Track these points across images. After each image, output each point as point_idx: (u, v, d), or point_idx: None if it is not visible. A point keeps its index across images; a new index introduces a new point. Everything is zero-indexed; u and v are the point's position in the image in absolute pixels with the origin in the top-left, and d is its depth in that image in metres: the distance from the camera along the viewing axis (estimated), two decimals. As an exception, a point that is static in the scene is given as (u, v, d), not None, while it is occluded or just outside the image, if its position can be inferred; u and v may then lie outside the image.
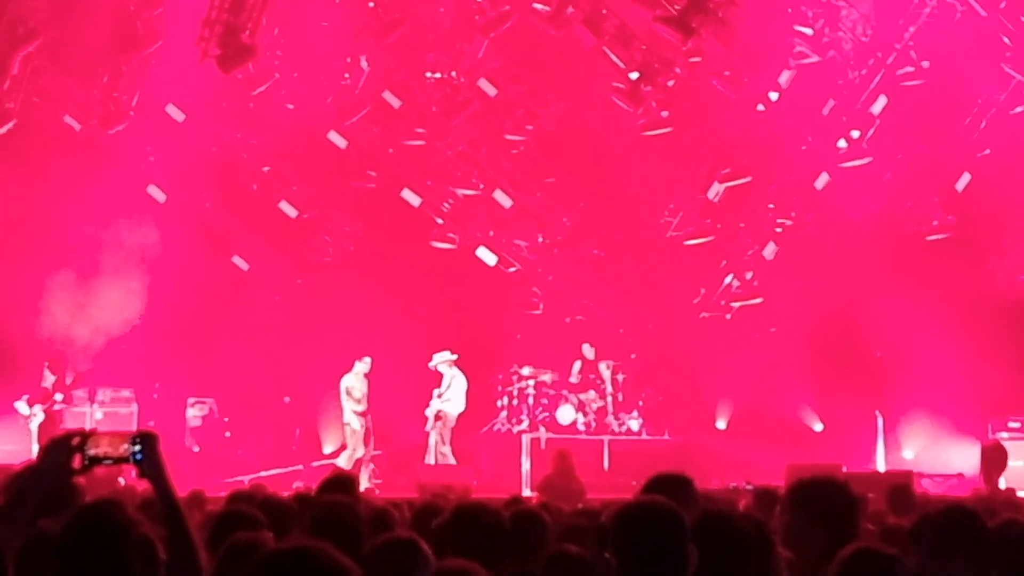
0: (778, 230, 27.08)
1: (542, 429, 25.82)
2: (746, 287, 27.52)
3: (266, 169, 27.61)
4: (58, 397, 23.47)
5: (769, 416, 26.05)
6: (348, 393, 24.61)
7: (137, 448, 4.85)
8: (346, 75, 26.68)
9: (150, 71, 25.59)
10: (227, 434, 27.15)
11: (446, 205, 27.91)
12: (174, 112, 25.89)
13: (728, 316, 27.57)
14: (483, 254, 27.99)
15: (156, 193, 26.48)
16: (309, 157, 27.34)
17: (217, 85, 25.13)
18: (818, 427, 26.70)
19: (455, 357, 24.71)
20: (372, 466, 24.64)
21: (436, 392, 24.79)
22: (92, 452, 4.85)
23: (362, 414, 24.55)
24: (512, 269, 28.31)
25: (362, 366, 24.66)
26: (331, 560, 3.72)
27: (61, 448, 4.87)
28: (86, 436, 4.88)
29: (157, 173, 26.50)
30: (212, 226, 27.47)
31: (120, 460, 4.87)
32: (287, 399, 27.45)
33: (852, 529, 6.21)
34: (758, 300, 27.29)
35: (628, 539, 5.24)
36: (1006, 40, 24.38)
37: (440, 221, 27.91)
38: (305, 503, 8.86)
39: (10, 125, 24.78)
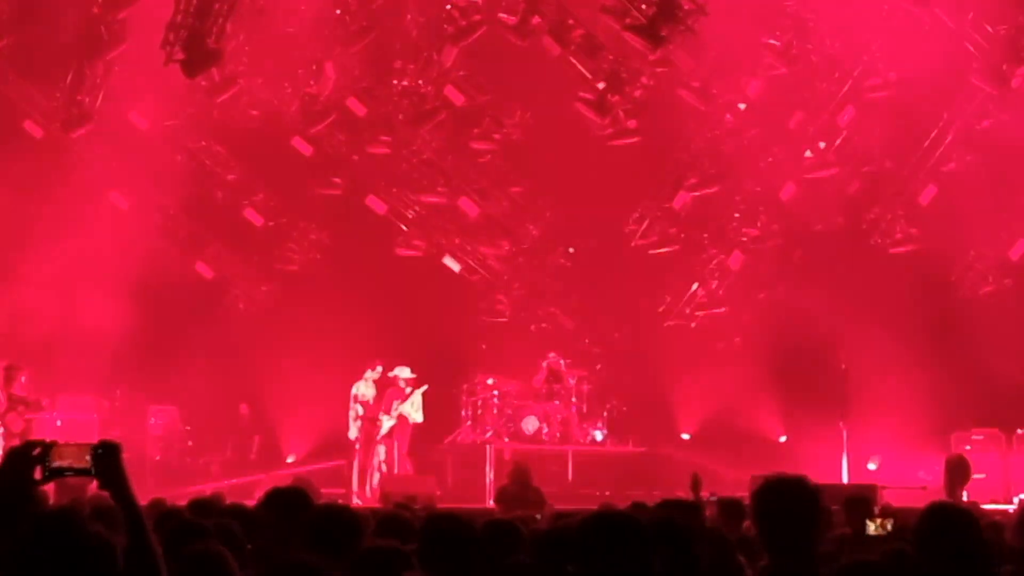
0: (743, 239, 27.19)
1: (506, 440, 25.80)
2: (711, 296, 27.64)
3: (231, 177, 27.54)
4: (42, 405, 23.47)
5: (734, 427, 26.14)
6: (354, 399, 24.43)
7: (99, 459, 4.77)
8: (311, 83, 26.62)
9: (114, 75, 25.47)
10: (189, 443, 27.11)
11: (411, 213, 27.90)
12: (137, 119, 25.80)
13: (693, 325, 27.69)
14: (448, 262, 28.00)
15: (118, 200, 26.38)
16: (274, 164, 27.38)
17: (181, 92, 25.08)
18: (782, 439, 26.78)
19: (414, 376, 24.48)
20: (376, 474, 24.28)
21: (408, 401, 24.46)
22: (54, 464, 4.77)
23: (364, 419, 24.28)
24: (476, 277, 28.31)
25: (371, 373, 24.52)
26: None
27: (22, 459, 4.78)
28: (47, 447, 4.78)
29: (119, 180, 26.40)
30: (176, 233, 27.38)
31: (82, 472, 4.78)
32: (243, 409, 27.39)
33: (813, 530, 6.21)
34: (722, 309, 27.42)
35: (591, 550, 5.25)
36: (971, 49, 24.51)
37: (405, 228, 27.91)
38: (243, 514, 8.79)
39: None
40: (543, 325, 28.65)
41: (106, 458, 4.78)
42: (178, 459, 26.65)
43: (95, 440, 4.87)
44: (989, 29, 24.51)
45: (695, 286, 27.75)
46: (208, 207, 27.59)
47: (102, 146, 26.01)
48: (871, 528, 10.86)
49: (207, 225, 27.76)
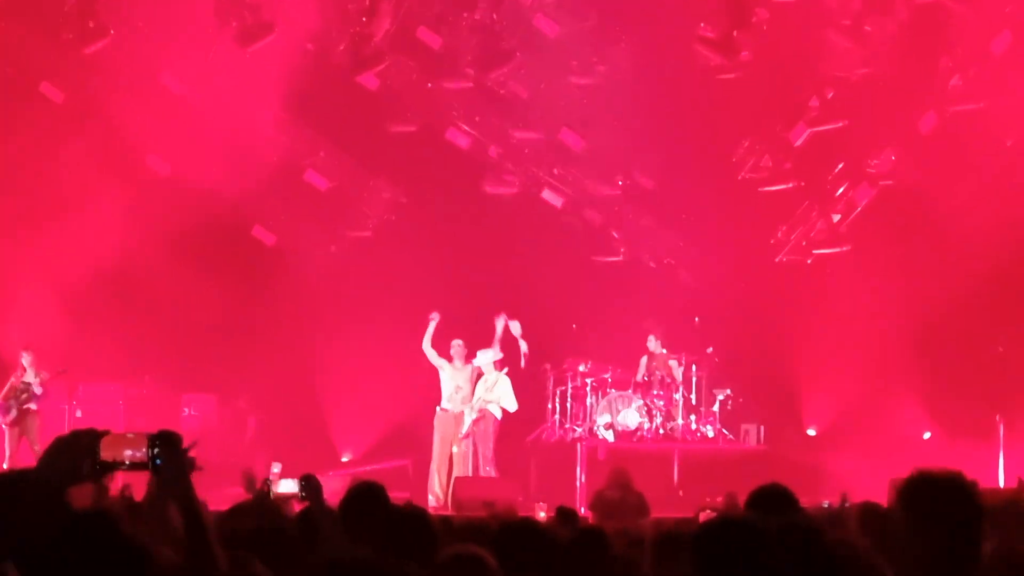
0: (872, 171, 27.43)
1: (601, 436, 25.88)
2: (832, 232, 27.82)
3: (285, 138, 27.75)
4: (36, 390, 23.86)
5: (868, 420, 26.17)
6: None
7: (157, 451, 4.84)
8: (363, 19, 26.85)
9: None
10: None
11: (500, 146, 28.35)
12: (170, 81, 26.28)
13: (809, 261, 27.89)
14: (548, 197, 28.36)
15: (157, 165, 26.85)
16: (334, 111, 27.72)
17: (213, 44, 25.69)
18: (926, 435, 26.78)
19: (500, 356, 24.54)
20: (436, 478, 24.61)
21: (481, 386, 24.48)
22: (106, 456, 4.82)
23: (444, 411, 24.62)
24: (582, 214, 28.72)
25: (454, 352, 24.49)
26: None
27: (69, 450, 4.84)
28: (98, 436, 4.84)
29: (156, 145, 26.90)
30: (227, 199, 27.46)
31: (137, 466, 4.84)
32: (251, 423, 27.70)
33: (973, 542, 6.31)
34: (845, 248, 27.51)
35: (708, 560, 5.49)
36: None
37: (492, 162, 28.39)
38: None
39: None
40: (667, 261, 29.06)
41: (166, 451, 4.88)
42: (218, 456, 27.03)
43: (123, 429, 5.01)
44: None
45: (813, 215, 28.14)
46: (263, 174, 27.70)
47: (132, 110, 26.44)
48: None
49: (263, 192, 27.96)
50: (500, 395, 24.39)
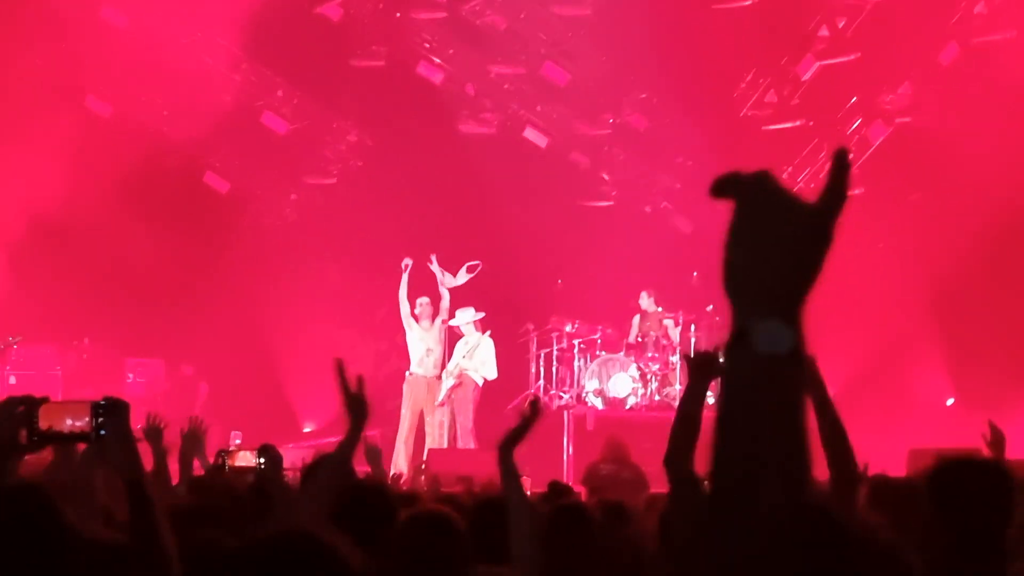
0: (887, 107, 27.25)
1: (590, 403, 25.79)
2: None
3: (239, 77, 27.54)
4: None
5: (883, 385, 26.06)
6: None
7: (101, 421, 4.81)
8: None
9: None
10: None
11: (477, 82, 28.11)
12: (111, 15, 26.04)
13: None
14: (531, 135, 28.10)
15: (97, 105, 26.61)
16: (293, 43, 27.37)
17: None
18: (949, 401, 26.73)
19: (481, 315, 24.40)
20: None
21: (460, 349, 24.47)
22: (44, 426, 4.83)
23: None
24: (568, 155, 28.43)
25: (420, 311, 24.25)
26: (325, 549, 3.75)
27: (4, 420, 4.85)
28: (36, 404, 4.86)
29: (95, 83, 26.61)
30: (174, 140, 27.35)
31: (79, 437, 4.87)
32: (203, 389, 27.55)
33: (1000, 525, 6.31)
34: (858, 191, 27.44)
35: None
36: None
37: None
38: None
39: None
40: (663, 206, 28.85)
41: (112, 420, 4.85)
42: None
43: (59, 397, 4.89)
44: None
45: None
46: (215, 115, 27.47)
47: (69, 44, 26.16)
48: None
49: (215, 136, 27.76)
50: (480, 361, 24.35)
